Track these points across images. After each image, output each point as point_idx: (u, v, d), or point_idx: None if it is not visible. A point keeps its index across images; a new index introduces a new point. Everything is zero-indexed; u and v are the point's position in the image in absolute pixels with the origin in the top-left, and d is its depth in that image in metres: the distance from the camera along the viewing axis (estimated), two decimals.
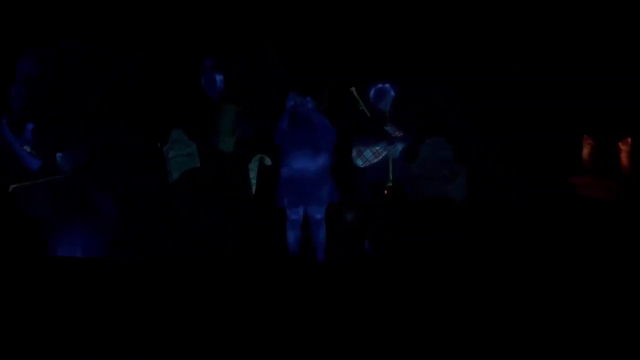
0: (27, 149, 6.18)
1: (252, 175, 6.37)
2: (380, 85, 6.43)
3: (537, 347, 3.87)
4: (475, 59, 7.59)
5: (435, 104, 7.53)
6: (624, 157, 6.97)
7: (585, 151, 7.19)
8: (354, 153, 6.28)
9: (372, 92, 6.44)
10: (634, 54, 7.36)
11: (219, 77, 6.62)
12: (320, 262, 5.85)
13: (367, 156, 6.23)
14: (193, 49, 7.13)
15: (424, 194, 6.75)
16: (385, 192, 6.15)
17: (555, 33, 7.58)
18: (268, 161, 6.19)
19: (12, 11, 7.17)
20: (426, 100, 7.56)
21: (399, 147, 6.27)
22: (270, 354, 3.88)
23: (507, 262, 5.18)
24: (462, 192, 6.89)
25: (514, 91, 7.37)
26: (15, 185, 5.95)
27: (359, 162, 6.27)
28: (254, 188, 6.37)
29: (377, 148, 6.22)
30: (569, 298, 4.50)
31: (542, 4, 7.59)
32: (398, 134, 6.28)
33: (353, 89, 6.31)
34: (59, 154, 6.22)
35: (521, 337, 3.97)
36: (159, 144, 6.61)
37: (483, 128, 7.30)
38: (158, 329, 4.10)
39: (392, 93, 6.43)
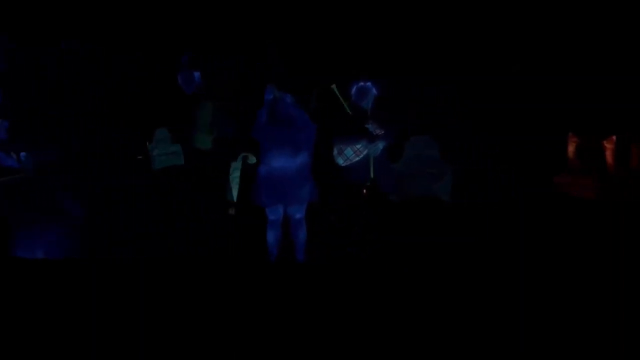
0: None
1: (236, 174, 6.27)
2: (362, 84, 6.29)
3: (537, 347, 3.87)
4: (475, 59, 7.60)
5: (434, 104, 7.53)
6: (608, 156, 6.93)
7: (571, 149, 7.14)
8: (335, 151, 6.12)
9: (353, 90, 6.27)
10: (634, 54, 7.37)
11: (196, 74, 6.53)
12: (300, 262, 5.68)
13: (348, 155, 6.08)
14: (188, 49, 7.12)
15: (409, 194, 6.66)
16: (364, 191, 6.03)
17: (554, 33, 7.58)
18: (252, 159, 6.02)
19: (12, 11, 7.18)
20: (411, 99, 7.54)
21: (380, 145, 6.09)
22: (251, 356, 3.85)
23: (507, 262, 5.18)
24: (449, 191, 6.82)
25: (514, 91, 7.37)
26: None
27: (340, 161, 6.10)
28: (236, 187, 6.27)
29: (358, 146, 6.05)
30: (568, 298, 4.50)
31: (542, 4, 7.60)
32: (379, 132, 6.12)
33: (334, 86, 6.16)
34: (22, 154, 6.16)
35: (521, 337, 3.97)
36: (148, 143, 6.56)
37: (483, 128, 7.31)
38: (151, 329, 4.11)
39: (374, 91, 6.28)
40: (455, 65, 7.47)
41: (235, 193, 6.28)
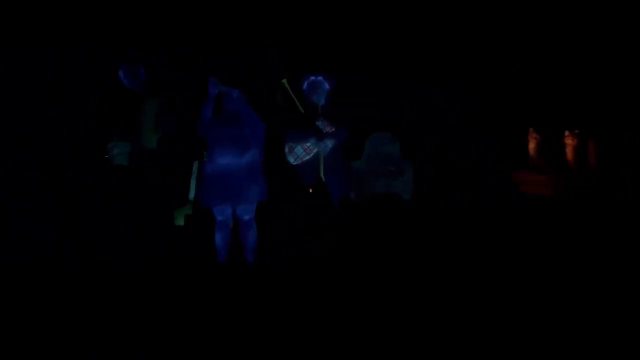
0: None
1: (194, 175, 6.12)
2: (313, 78, 5.92)
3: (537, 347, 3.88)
4: (475, 59, 7.62)
5: (434, 104, 7.55)
6: (569, 152, 6.87)
7: (532, 146, 7.07)
8: (286, 149, 5.88)
9: (305, 85, 5.94)
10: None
11: (141, 71, 6.39)
12: (250, 265, 5.39)
13: (299, 153, 5.86)
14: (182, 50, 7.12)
15: (369, 191, 6.57)
16: (310, 190, 5.84)
17: (554, 33, 7.59)
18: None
19: (11, 11, 7.20)
20: (411, 99, 7.53)
21: (329, 143, 5.81)
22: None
23: (507, 262, 5.18)
24: (410, 189, 6.73)
25: (514, 91, 7.39)
26: None
27: (291, 159, 5.88)
28: (193, 188, 6.14)
29: (308, 144, 5.83)
30: (568, 298, 4.50)
31: (542, 4, 7.61)
32: (329, 129, 5.95)
33: (285, 80, 5.94)
34: None
35: (521, 337, 3.97)
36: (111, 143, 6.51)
37: (483, 128, 7.32)
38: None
39: (327, 86, 5.90)
40: (455, 65, 7.48)
41: (193, 192, 6.15)
